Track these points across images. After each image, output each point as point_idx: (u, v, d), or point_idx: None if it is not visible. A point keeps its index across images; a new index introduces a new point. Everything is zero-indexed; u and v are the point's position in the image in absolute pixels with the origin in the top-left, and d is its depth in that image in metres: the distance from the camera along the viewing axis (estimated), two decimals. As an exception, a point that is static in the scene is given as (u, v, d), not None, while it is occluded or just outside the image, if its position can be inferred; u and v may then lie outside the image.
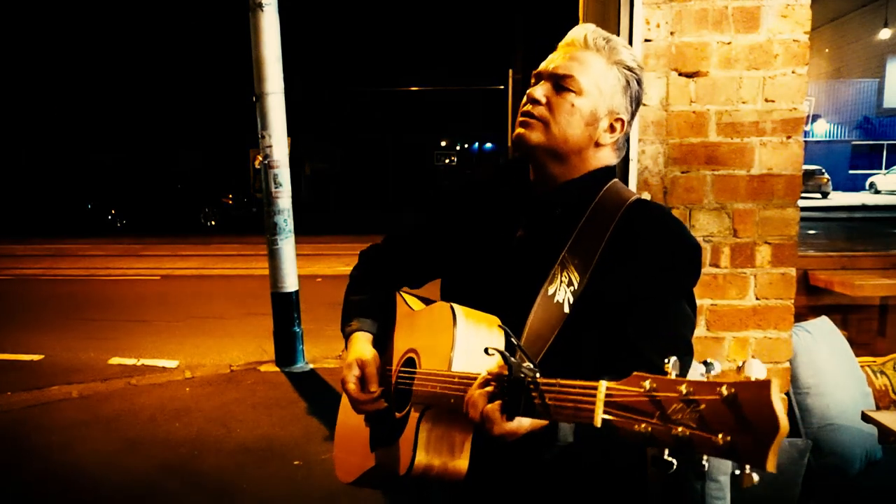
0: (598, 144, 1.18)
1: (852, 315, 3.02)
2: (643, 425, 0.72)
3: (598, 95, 1.15)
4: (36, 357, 5.30)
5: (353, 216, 18.34)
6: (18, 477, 3.24)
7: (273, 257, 4.96)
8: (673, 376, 0.72)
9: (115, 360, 5.20)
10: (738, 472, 0.64)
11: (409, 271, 1.42)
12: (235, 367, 4.95)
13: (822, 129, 27.72)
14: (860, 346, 2.64)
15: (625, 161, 2.15)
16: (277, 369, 4.89)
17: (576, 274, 1.10)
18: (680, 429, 0.68)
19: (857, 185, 25.96)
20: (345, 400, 1.41)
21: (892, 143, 28.33)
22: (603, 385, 0.79)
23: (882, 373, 2.45)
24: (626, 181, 2.15)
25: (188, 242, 13.56)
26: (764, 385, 0.63)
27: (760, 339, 2.20)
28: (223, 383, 4.61)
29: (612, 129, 1.18)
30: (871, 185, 25.50)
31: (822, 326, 2.40)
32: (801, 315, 2.40)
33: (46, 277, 9.59)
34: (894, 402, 2.40)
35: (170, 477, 3.22)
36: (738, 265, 2.18)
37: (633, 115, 1.21)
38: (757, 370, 0.65)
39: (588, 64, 1.15)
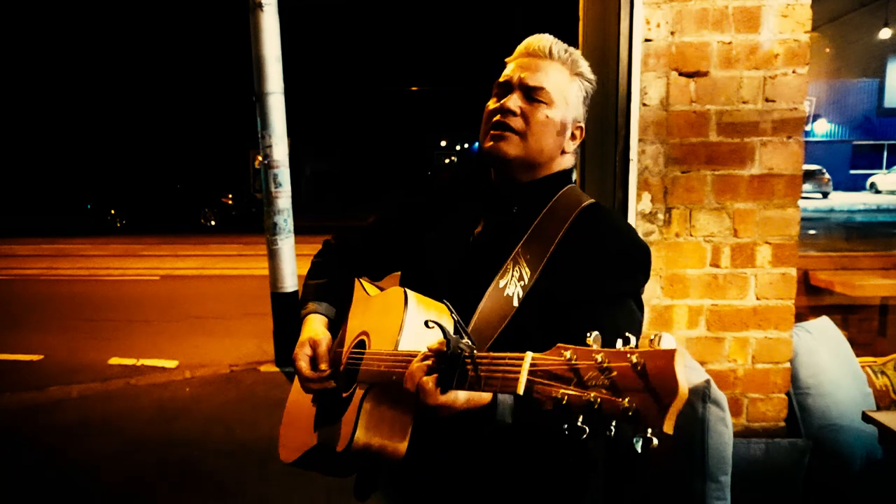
0: (563, 152, 1.24)
1: (853, 315, 3.02)
2: (561, 391, 0.75)
3: (565, 106, 1.20)
4: (36, 357, 5.30)
5: (353, 216, 18.33)
6: (18, 477, 3.24)
7: (273, 257, 4.96)
8: (593, 347, 0.76)
9: (114, 361, 5.20)
10: (639, 440, 0.66)
11: (369, 262, 1.45)
12: (235, 367, 4.95)
13: (822, 129, 27.70)
14: (861, 346, 2.64)
15: (624, 161, 2.15)
16: (277, 369, 4.89)
17: (527, 270, 1.14)
18: (592, 394, 0.71)
19: (857, 185, 25.94)
20: (294, 384, 1.44)
21: (893, 143, 28.31)
22: (529, 356, 0.83)
23: (882, 373, 2.44)
24: (626, 181, 2.15)
25: (188, 242, 13.57)
26: (668, 354, 0.66)
27: (761, 340, 2.20)
28: (223, 383, 4.61)
29: (573, 136, 1.24)
30: (872, 185, 25.48)
31: (823, 326, 2.40)
32: (802, 315, 2.40)
33: (46, 277, 9.59)
34: (895, 402, 2.40)
35: (170, 477, 3.21)
36: (739, 265, 2.18)
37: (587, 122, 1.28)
38: (667, 342, 0.69)
39: (554, 76, 1.19)
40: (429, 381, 0.96)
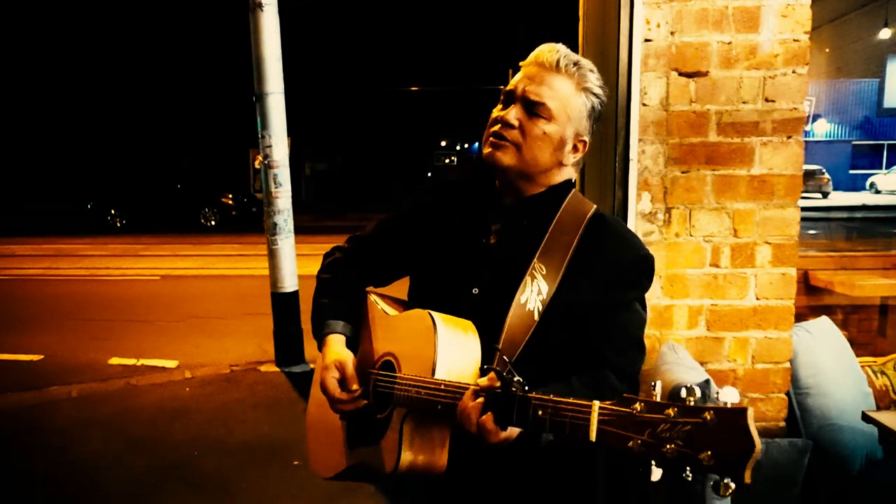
0: (562, 164, 1.26)
1: (852, 315, 3.02)
2: (634, 441, 0.81)
3: (566, 121, 1.22)
4: (36, 357, 5.31)
5: (353, 216, 18.33)
6: (18, 477, 3.24)
7: (273, 257, 4.96)
8: (658, 398, 0.82)
9: (115, 360, 5.21)
10: (716, 482, 0.75)
11: (376, 271, 1.45)
12: (235, 367, 4.95)
13: (822, 129, 27.68)
14: (860, 346, 2.64)
15: (625, 161, 2.15)
16: (277, 369, 4.89)
17: (545, 283, 1.19)
18: (668, 446, 0.78)
19: (857, 185, 25.92)
20: (314, 397, 1.44)
21: (893, 143, 28.30)
22: (596, 405, 0.87)
23: (882, 373, 2.44)
24: (626, 181, 2.15)
25: (188, 242, 13.56)
26: (741, 412, 0.73)
27: (761, 340, 2.20)
28: (223, 383, 4.61)
29: (575, 149, 1.26)
30: (872, 185, 25.46)
31: (823, 326, 2.40)
32: (802, 315, 2.40)
33: (46, 277, 9.59)
34: (894, 402, 2.40)
35: (170, 477, 3.22)
36: (739, 265, 2.18)
37: (591, 134, 1.29)
38: (731, 396, 0.77)
39: (559, 90, 1.21)
40: (488, 421, 1.00)
